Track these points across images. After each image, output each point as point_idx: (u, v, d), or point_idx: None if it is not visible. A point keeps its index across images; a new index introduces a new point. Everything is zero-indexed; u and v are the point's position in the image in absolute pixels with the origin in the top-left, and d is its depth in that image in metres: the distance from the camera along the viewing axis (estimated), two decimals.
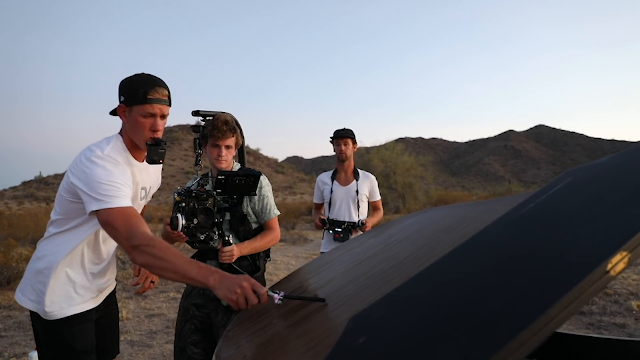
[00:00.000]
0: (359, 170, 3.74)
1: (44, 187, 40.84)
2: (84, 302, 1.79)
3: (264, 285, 2.36)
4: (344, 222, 3.52)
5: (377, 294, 1.03)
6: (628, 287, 5.51)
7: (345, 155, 3.62)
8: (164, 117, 1.72)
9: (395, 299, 0.84)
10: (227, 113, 2.43)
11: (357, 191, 3.61)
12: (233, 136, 2.27)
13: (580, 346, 1.32)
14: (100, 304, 1.90)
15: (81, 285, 1.78)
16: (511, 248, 0.80)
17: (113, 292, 2.03)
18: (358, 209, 3.59)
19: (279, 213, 2.39)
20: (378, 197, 3.76)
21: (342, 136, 3.62)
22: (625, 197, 0.77)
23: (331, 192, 3.67)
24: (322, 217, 3.61)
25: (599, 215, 0.75)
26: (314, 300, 1.26)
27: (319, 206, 3.84)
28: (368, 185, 3.68)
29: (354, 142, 3.69)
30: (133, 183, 1.76)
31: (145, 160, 1.80)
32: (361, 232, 3.37)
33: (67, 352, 1.73)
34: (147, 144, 1.72)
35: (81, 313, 1.77)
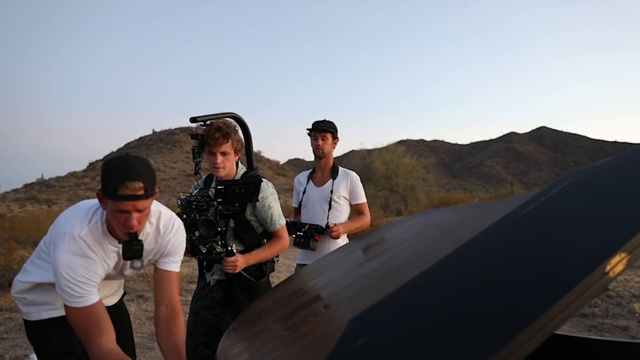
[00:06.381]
0: (340, 168, 3.16)
1: (45, 190, 40.78)
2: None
3: (269, 287, 2.38)
4: (305, 224, 2.94)
5: (377, 296, 1.03)
6: (631, 290, 5.49)
7: (322, 151, 3.06)
8: (139, 210, 1.55)
9: (394, 301, 0.84)
10: (228, 115, 2.35)
11: (331, 191, 3.04)
12: (228, 141, 2.18)
13: (583, 348, 1.31)
14: None
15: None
16: (511, 250, 0.80)
17: (119, 302, 2.01)
18: (329, 210, 3.01)
19: (284, 223, 2.35)
20: (362, 200, 3.11)
21: (320, 129, 3.04)
22: (625, 198, 0.77)
23: (304, 193, 3.14)
24: (287, 219, 2.90)
25: (599, 217, 0.75)
26: None
27: (299, 210, 3.21)
28: (347, 185, 3.08)
29: (335, 138, 3.11)
30: (119, 261, 1.72)
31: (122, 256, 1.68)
32: (330, 238, 2.92)
33: (44, 352, 1.77)
34: (120, 241, 1.63)
35: (61, 317, 1.73)
